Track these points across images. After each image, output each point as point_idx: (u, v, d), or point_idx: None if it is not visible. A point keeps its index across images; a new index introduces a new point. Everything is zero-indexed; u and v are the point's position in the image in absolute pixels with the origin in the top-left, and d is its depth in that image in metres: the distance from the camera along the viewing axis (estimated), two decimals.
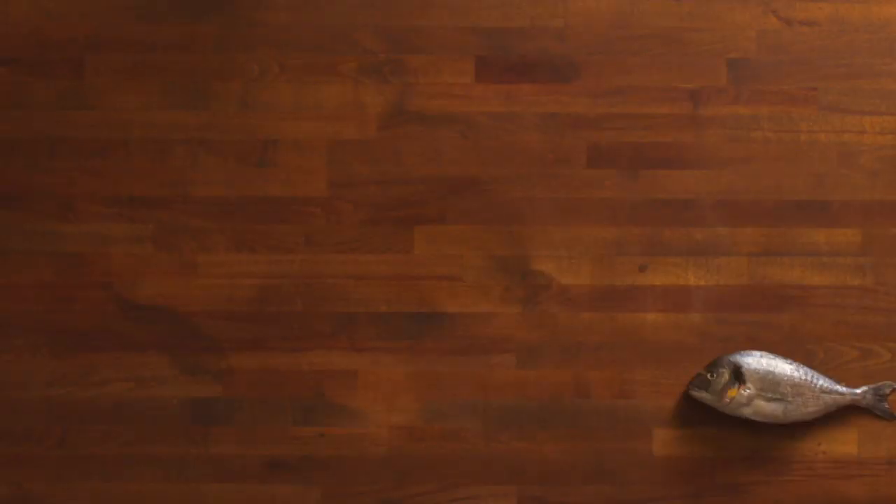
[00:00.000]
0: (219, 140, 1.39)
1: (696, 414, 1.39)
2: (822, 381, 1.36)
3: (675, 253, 1.39)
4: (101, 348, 1.38)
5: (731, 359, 1.35)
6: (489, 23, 1.39)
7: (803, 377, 1.35)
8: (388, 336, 1.39)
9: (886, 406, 1.38)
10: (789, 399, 1.34)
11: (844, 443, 1.39)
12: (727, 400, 1.34)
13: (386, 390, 1.38)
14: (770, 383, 1.34)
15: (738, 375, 1.33)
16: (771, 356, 1.36)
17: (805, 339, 1.39)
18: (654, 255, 1.39)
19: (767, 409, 1.35)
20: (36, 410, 1.38)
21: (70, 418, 1.38)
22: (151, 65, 1.39)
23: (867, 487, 1.38)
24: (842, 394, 1.36)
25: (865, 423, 1.39)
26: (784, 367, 1.35)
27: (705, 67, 1.39)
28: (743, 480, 1.38)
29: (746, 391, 1.33)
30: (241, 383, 1.38)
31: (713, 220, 1.39)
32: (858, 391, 1.37)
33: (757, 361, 1.35)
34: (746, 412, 1.35)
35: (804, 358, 1.39)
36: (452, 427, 1.38)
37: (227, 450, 1.38)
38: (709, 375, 1.35)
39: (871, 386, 1.38)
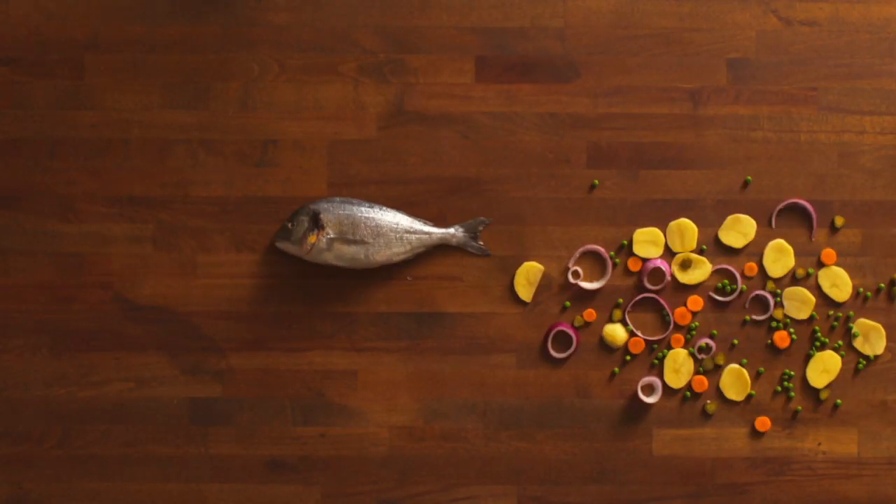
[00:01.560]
0: (219, 140, 1.39)
1: (696, 414, 1.39)
2: (407, 222, 1.34)
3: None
4: (101, 348, 1.38)
5: (310, 206, 1.33)
6: (489, 23, 1.39)
7: (384, 218, 1.33)
8: (388, 336, 1.39)
9: (481, 244, 1.37)
10: (370, 241, 1.32)
11: (844, 443, 1.39)
12: (308, 247, 1.32)
13: (386, 390, 1.38)
14: (349, 226, 1.32)
15: (317, 221, 1.31)
16: (353, 201, 1.34)
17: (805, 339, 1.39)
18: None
19: (348, 252, 1.33)
20: (36, 410, 1.38)
21: (70, 418, 1.38)
22: (151, 65, 1.39)
23: (867, 487, 1.38)
24: (428, 233, 1.35)
25: (866, 424, 1.39)
26: (364, 210, 1.33)
27: (705, 67, 1.39)
28: (743, 480, 1.38)
29: (326, 237, 1.31)
30: (241, 383, 1.38)
31: (713, 220, 1.39)
32: (450, 230, 1.36)
33: (336, 206, 1.33)
34: (329, 258, 1.33)
35: (803, 358, 1.39)
36: (452, 427, 1.38)
37: (227, 450, 1.38)
38: (289, 225, 1.33)
39: (463, 223, 1.36)
